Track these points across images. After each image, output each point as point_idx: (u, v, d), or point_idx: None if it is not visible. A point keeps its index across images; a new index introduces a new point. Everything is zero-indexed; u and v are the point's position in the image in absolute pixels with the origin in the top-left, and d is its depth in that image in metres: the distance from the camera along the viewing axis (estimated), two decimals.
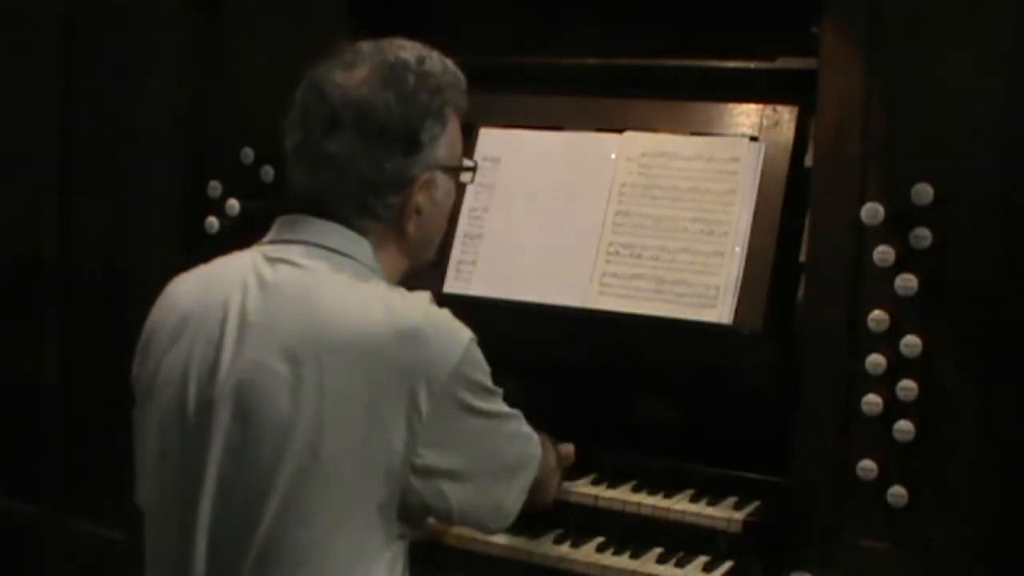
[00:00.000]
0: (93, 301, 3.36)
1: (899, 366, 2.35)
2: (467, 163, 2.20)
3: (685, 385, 2.68)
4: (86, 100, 3.37)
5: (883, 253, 2.35)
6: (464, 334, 1.97)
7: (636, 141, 2.76)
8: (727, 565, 2.46)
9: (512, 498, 2.09)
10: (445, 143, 2.08)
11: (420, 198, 2.06)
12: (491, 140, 2.90)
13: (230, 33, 3.16)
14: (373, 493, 1.90)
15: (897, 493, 2.35)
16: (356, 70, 2.03)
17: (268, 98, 3.07)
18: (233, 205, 3.10)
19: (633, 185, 2.73)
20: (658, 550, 2.50)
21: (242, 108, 3.13)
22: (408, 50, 2.07)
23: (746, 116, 2.69)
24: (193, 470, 1.94)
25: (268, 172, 3.05)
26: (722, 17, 2.77)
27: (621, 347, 2.73)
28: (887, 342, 2.36)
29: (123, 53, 3.27)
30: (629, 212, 2.72)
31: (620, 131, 2.78)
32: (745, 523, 2.46)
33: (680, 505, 2.53)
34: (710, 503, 2.53)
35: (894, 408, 2.35)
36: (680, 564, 2.46)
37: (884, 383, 2.36)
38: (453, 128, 2.11)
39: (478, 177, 2.72)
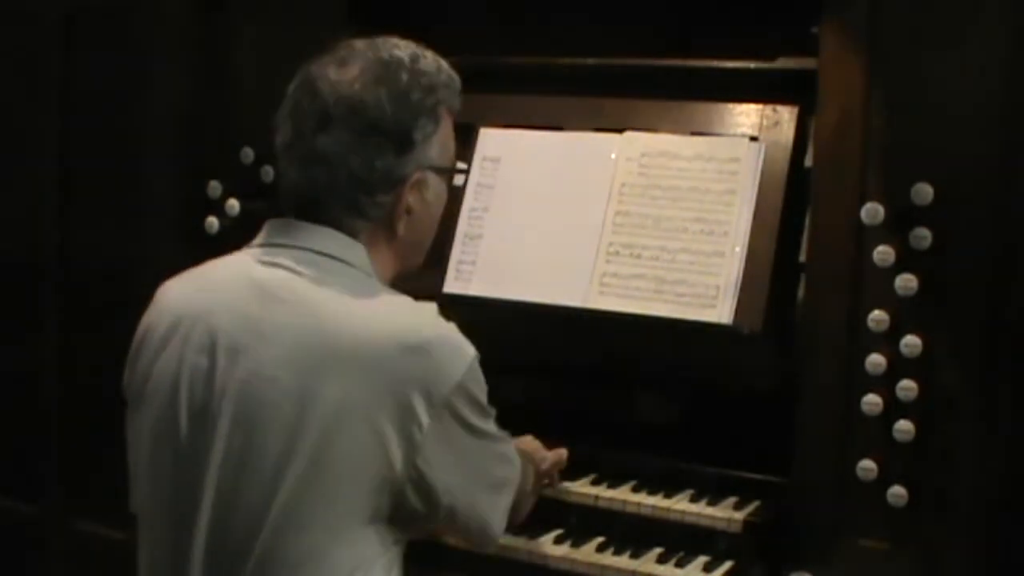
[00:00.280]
0: (93, 301, 3.36)
1: (899, 366, 2.35)
2: (460, 165, 2.19)
3: (685, 385, 2.69)
4: (86, 100, 3.37)
5: (883, 253, 2.35)
6: (469, 351, 1.95)
7: (636, 141, 2.76)
8: (727, 565, 2.46)
9: (497, 519, 2.09)
10: (438, 143, 2.07)
11: (411, 198, 2.04)
12: (491, 140, 2.90)
13: (230, 33, 3.16)
14: (371, 501, 1.89)
15: (897, 493, 2.35)
16: (349, 67, 2.02)
17: (268, 98, 3.06)
18: (233, 205, 3.10)
19: (633, 185, 2.73)
20: (658, 550, 2.50)
21: (242, 108, 3.13)
22: (402, 48, 2.06)
23: (746, 116, 2.69)
24: (190, 478, 1.93)
25: (268, 172, 3.05)
26: (722, 17, 2.77)
27: (621, 347, 2.73)
28: (887, 342, 2.36)
29: (123, 53, 3.27)
30: (629, 212, 2.72)
31: (620, 131, 2.78)
32: (745, 523, 2.46)
33: (680, 505, 2.53)
34: (710, 503, 2.53)
35: (894, 408, 2.35)
36: (680, 564, 2.46)
37: (884, 383, 2.36)
38: (446, 128, 2.10)
39: (478, 177, 2.73)
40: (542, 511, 2.45)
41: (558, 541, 2.53)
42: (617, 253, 2.70)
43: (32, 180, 3.46)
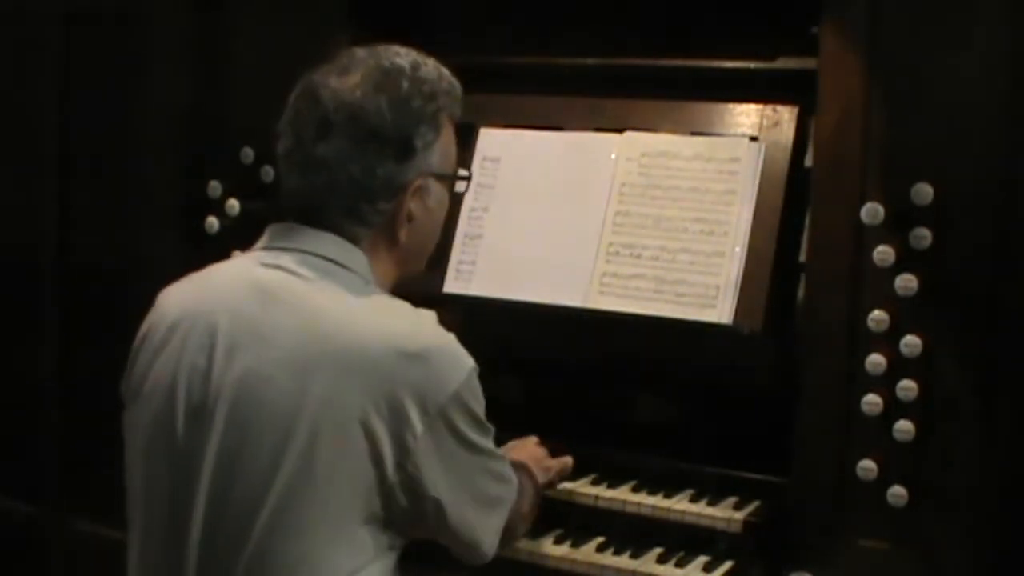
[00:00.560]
0: (93, 301, 3.36)
1: (899, 366, 2.35)
2: (462, 172, 2.19)
3: (685, 385, 2.69)
4: (86, 100, 3.37)
5: (883, 253, 2.35)
6: (468, 362, 1.96)
7: (636, 141, 2.76)
8: (727, 565, 2.46)
9: (488, 539, 2.08)
10: (439, 150, 2.06)
11: (412, 205, 2.05)
12: (491, 140, 2.90)
13: (230, 33, 3.16)
14: (362, 505, 1.90)
15: (897, 493, 2.35)
16: (350, 75, 2.02)
17: (268, 98, 3.05)
18: (233, 205, 3.10)
19: (633, 185, 2.73)
20: (658, 550, 2.50)
21: (242, 108, 3.13)
22: (403, 56, 2.06)
23: (746, 116, 2.69)
24: (185, 476, 1.93)
25: (268, 172, 3.05)
26: (722, 17, 2.77)
27: (621, 347, 2.73)
28: (887, 342, 2.36)
29: (123, 53, 3.27)
30: (629, 212, 2.72)
31: (620, 131, 2.78)
32: (745, 523, 2.46)
33: (680, 505, 2.53)
34: (710, 503, 2.53)
35: (894, 408, 2.35)
36: (680, 564, 2.46)
37: (884, 383, 2.36)
38: (447, 135, 2.09)
39: (478, 177, 2.73)
40: (542, 511, 2.44)
41: (558, 541, 2.53)
42: (617, 253, 2.70)
43: (32, 179, 3.46)
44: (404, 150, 2.01)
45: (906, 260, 2.34)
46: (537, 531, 2.52)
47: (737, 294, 2.57)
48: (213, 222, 3.11)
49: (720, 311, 2.57)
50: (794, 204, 2.58)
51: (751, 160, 2.64)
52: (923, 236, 2.33)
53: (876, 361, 2.36)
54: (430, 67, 2.07)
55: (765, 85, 2.67)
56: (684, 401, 2.71)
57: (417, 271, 2.20)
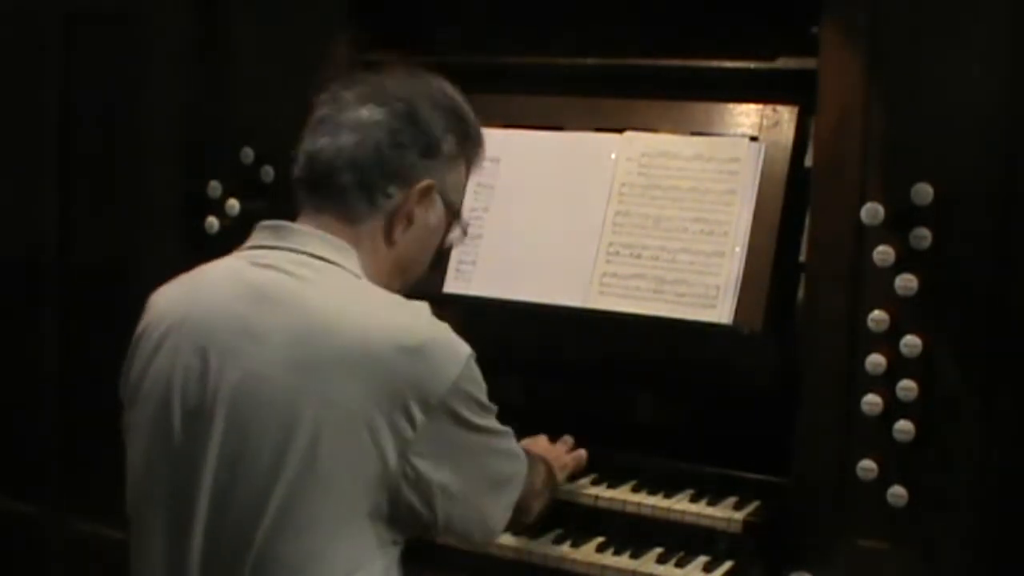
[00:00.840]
0: (93, 301, 3.36)
1: (899, 366, 2.35)
2: (464, 218, 2.23)
3: (685, 385, 2.69)
4: (86, 100, 3.37)
5: (883, 253, 2.35)
6: (464, 349, 1.96)
7: (636, 141, 2.76)
8: (727, 565, 2.46)
9: (498, 514, 2.10)
10: (454, 174, 2.14)
11: (416, 207, 2.08)
12: (491, 140, 2.87)
13: (230, 33, 3.16)
14: (367, 501, 1.90)
15: (897, 493, 2.35)
16: (400, 77, 2.14)
17: (268, 98, 3.09)
18: (233, 205, 3.10)
19: (633, 185, 2.73)
20: (658, 550, 2.50)
21: (242, 108, 3.13)
22: (450, 89, 2.17)
23: (746, 116, 2.69)
24: (186, 479, 1.93)
25: (268, 172, 3.05)
26: (722, 17, 2.77)
27: (621, 347, 2.73)
28: (887, 342, 2.36)
29: (123, 53, 3.27)
30: (629, 212, 2.72)
31: (620, 131, 2.78)
32: (745, 523, 2.46)
33: (680, 505, 2.53)
34: (710, 503, 2.53)
35: (894, 408, 2.35)
36: (680, 564, 2.46)
37: (884, 383, 2.36)
38: (463, 172, 2.17)
39: (478, 177, 2.73)
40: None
41: (558, 541, 2.53)
42: (617, 253, 2.70)
43: (32, 180, 3.46)
44: (430, 147, 2.08)
45: (906, 260, 2.34)
46: (537, 531, 2.52)
47: (737, 294, 2.57)
48: (213, 222, 3.11)
49: (720, 311, 2.57)
50: (794, 204, 2.58)
51: (751, 160, 2.64)
52: (923, 236, 2.33)
53: (876, 361, 2.36)
54: (472, 113, 2.19)
55: (765, 85, 2.67)
56: (684, 401, 2.71)
57: (404, 286, 2.19)
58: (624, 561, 2.47)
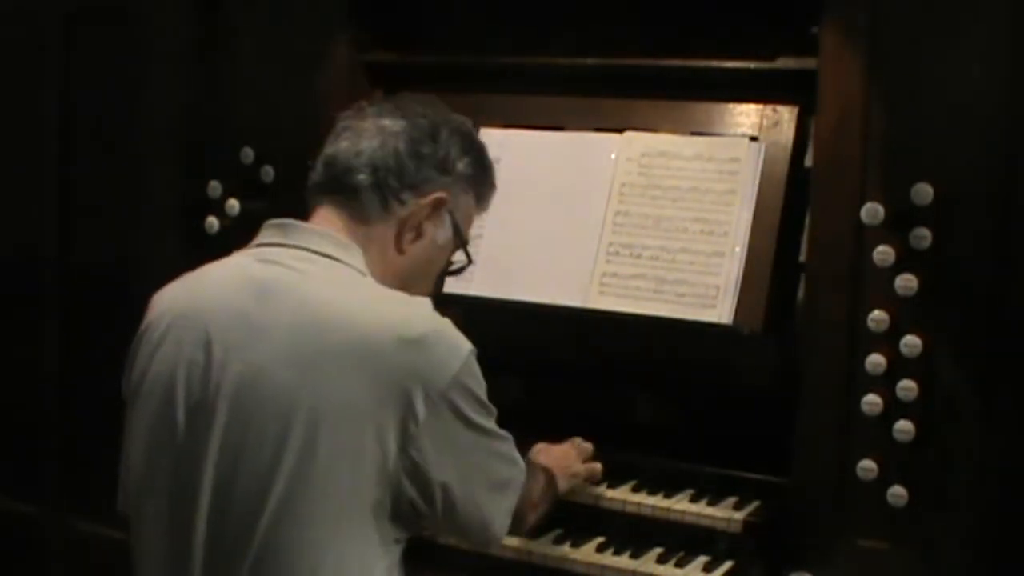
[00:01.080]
0: (93, 301, 3.36)
1: (899, 366, 2.35)
2: (469, 248, 2.25)
3: (685, 385, 2.69)
4: (86, 100, 3.37)
5: (883, 253, 2.35)
6: (465, 345, 1.97)
7: (636, 141, 2.76)
8: (727, 565, 2.46)
9: (499, 518, 2.09)
10: (464, 198, 2.18)
11: (426, 220, 2.11)
12: (491, 140, 2.88)
13: (230, 33, 3.16)
14: (368, 495, 1.90)
15: (897, 493, 2.35)
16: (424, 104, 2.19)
17: (268, 98, 3.09)
18: (233, 205, 3.10)
19: (633, 185, 2.73)
20: (658, 550, 2.50)
21: (242, 108, 3.13)
22: (471, 125, 2.23)
23: (746, 116, 2.69)
24: (188, 472, 1.94)
25: (268, 172, 3.05)
26: (722, 17, 2.77)
27: (621, 347, 2.73)
28: (887, 342, 2.36)
29: (123, 53, 3.27)
30: (629, 212, 2.72)
31: (620, 131, 2.78)
32: (745, 523, 2.46)
33: (680, 505, 2.53)
34: (710, 503, 2.53)
35: (894, 408, 2.35)
36: (680, 564, 2.46)
37: (884, 383, 2.36)
38: (472, 200, 2.21)
39: None
40: None
41: (558, 541, 2.53)
42: (617, 253, 2.70)
43: (32, 180, 3.46)
44: (445, 163, 2.13)
45: (906, 260, 2.34)
46: (537, 531, 2.52)
47: (737, 294, 2.57)
48: (213, 222, 3.11)
49: (720, 311, 2.57)
50: (794, 204, 2.58)
51: (751, 160, 2.64)
52: (923, 236, 2.33)
53: (876, 361, 2.36)
54: (487, 152, 2.24)
55: (765, 85, 2.67)
56: (684, 401, 2.71)
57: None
58: (624, 561, 2.47)
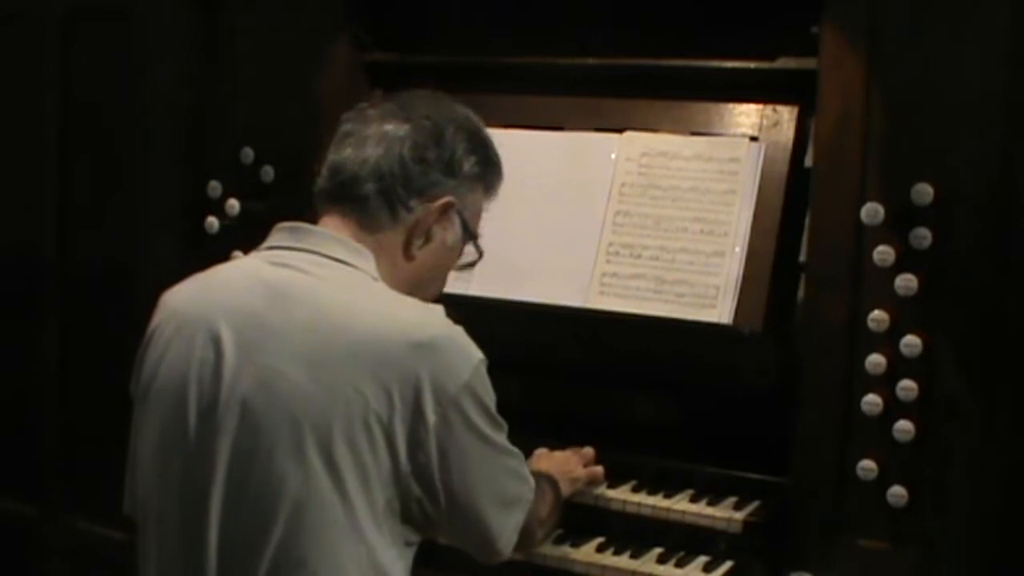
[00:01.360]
0: (93, 301, 3.36)
1: (899, 366, 2.35)
2: (479, 243, 2.23)
3: (685, 385, 2.68)
4: (86, 100, 3.37)
5: (883, 253, 2.35)
6: (476, 353, 1.97)
7: (636, 141, 2.76)
8: (727, 565, 2.46)
9: (506, 535, 2.08)
10: (473, 197, 2.17)
11: (435, 225, 2.10)
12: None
13: (230, 33, 3.16)
14: (380, 496, 1.90)
15: (897, 493, 2.35)
16: (426, 101, 2.17)
17: (268, 98, 3.09)
18: (233, 205, 3.09)
19: (633, 185, 2.73)
20: (658, 550, 2.51)
21: (242, 108, 3.13)
22: (474, 116, 2.21)
23: (746, 116, 2.69)
24: (199, 475, 1.93)
25: (268, 172, 3.05)
26: (722, 17, 2.77)
27: (621, 347, 2.73)
28: (887, 342, 2.36)
29: (123, 53, 3.27)
30: (629, 212, 2.72)
31: (620, 131, 2.78)
32: (745, 523, 2.47)
33: (680, 505, 2.53)
34: (710, 503, 2.53)
35: (894, 408, 2.35)
36: (680, 564, 2.46)
37: (884, 383, 2.36)
38: (481, 195, 2.20)
39: None
40: None
41: (558, 541, 2.53)
42: (617, 253, 2.70)
43: (32, 180, 3.46)
44: (451, 166, 2.11)
45: (906, 260, 2.34)
46: None
47: (737, 294, 2.57)
48: (213, 222, 3.11)
49: (720, 311, 2.57)
50: (794, 204, 2.58)
51: (751, 160, 2.64)
52: (923, 236, 2.33)
53: (876, 361, 2.36)
54: (492, 141, 2.22)
55: (765, 85, 2.67)
56: (684, 401, 2.71)
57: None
58: (624, 561, 2.47)
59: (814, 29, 2.47)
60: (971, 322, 2.31)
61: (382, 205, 2.07)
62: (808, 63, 2.50)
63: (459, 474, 1.95)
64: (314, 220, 2.11)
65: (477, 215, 2.22)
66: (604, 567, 2.46)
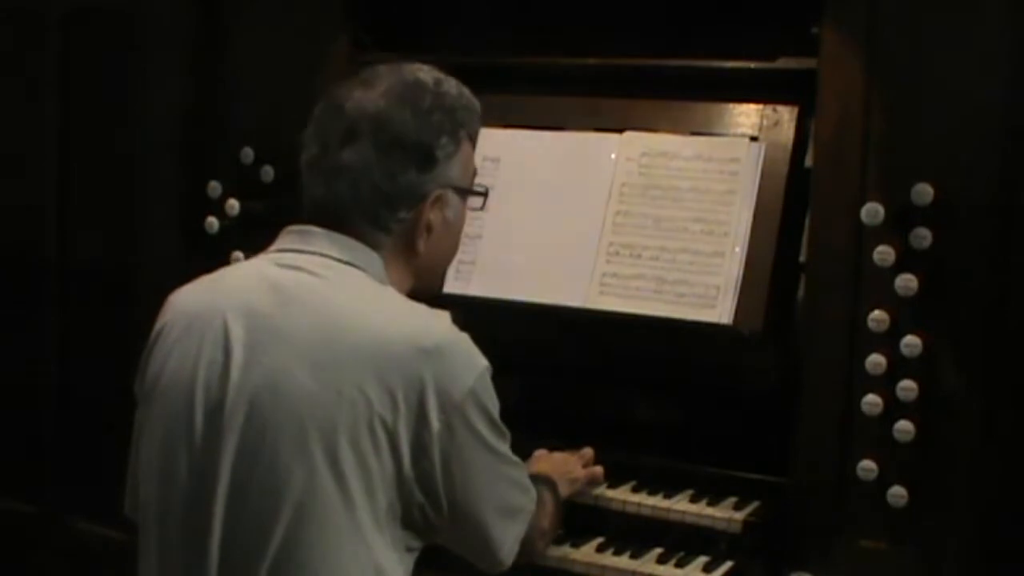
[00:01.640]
0: (93, 301, 3.36)
1: (899, 366, 2.35)
2: (478, 187, 2.20)
3: (685, 385, 2.68)
4: (86, 100, 3.37)
5: (883, 253, 2.35)
6: (481, 361, 1.97)
7: (636, 141, 2.76)
8: (727, 565, 2.46)
9: (507, 545, 2.08)
10: (458, 163, 2.10)
11: (431, 216, 2.08)
12: (491, 140, 2.89)
13: (230, 33, 3.16)
14: (383, 500, 1.90)
15: (897, 493, 2.35)
16: (374, 87, 2.06)
17: (268, 98, 3.09)
18: (233, 205, 3.09)
19: (633, 185, 2.73)
20: (658, 550, 2.50)
21: (242, 108, 3.13)
22: (425, 72, 2.10)
23: (746, 116, 2.69)
24: (204, 475, 1.93)
25: (268, 172, 3.05)
26: (722, 17, 2.77)
27: (621, 347, 2.73)
28: (887, 342, 2.36)
29: (123, 53, 3.27)
30: (629, 212, 2.72)
31: (620, 131, 2.78)
32: (745, 523, 2.46)
33: (680, 505, 2.53)
34: (710, 503, 2.53)
35: (894, 408, 2.35)
36: (680, 564, 2.46)
37: (884, 383, 2.36)
38: (466, 151, 2.13)
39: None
40: None
41: (558, 541, 2.52)
42: (617, 253, 2.70)
43: (32, 180, 3.46)
44: (425, 160, 2.05)
45: (906, 260, 2.34)
46: None
47: (737, 294, 2.57)
48: (213, 222, 3.11)
49: (720, 311, 2.57)
50: (794, 204, 2.58)
51: (751, 160, 2.64)
52: (923, 236, 2.33)
53: (876, 361, 2.36)
54: (451, 84, 2.12)
55: (765, 85, 2.67)
56: (684, 401, 2.71)
57: (433, 284, 2.23)
58: (624, 561, 2.47)
59: (814, 29, 2.47)
60: (971, 322, 2.31)
61: (374, 229, 2.04)
62: (808, 63, 2.50)
63: (461, 481, 1.95)
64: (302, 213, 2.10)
65: (470, 170, 2.17)
66: (604, 567, 2.46)
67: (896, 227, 2.35)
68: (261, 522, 1.89)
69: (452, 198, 2.11)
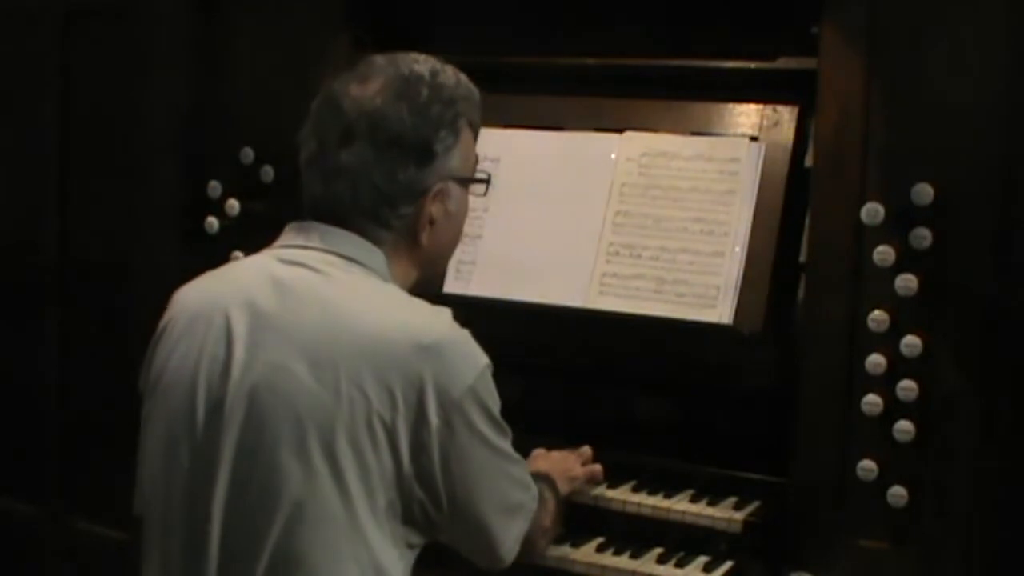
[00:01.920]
0: (93, 301, 3.36)
1: (899, 366, 2.35)
2: (480, 175, 2.20)
3: (685, 385, 2.68)
4: (86, 100, 3.37)
5: (883, 253, 2.35)
6: (482, 358, 1.97)
7: (636, 141, 2.76)
8: (727, 565, 2.46)
9: (508, 543, 2.08)
10: (459, 154, 2.09)
11: (433, 209, 2.07)
12: (491, 140, 2.88)
13: (230, 33, 3.16)
14: (382, 497, 1.90)
15: (897, 493, 2.35)
16: (370, 83, 2.05)
17: (268, 98, 3.09)
18: (233, 205, 3.10)
19: (633, 185, 2.73)
20: (658, 550, 2.50)
21: (242, 108, 3.13)
22: (422, 63, 2.09)
23: (746, 116, 2.69)
24: (204, 470, 1.93)
25: (268, 172, 3.05)
26: (722, 17, 2.77)
27: (621, 347, 2.73)
28: (887, 342, 2.36)
29: (123, 53, 3.27)
30: (629, 212, 2.72)
31: (620, 131, 2.78)
32: (745, 523, 2.46)
33: (680, 505, 2.53)
34: (710, 503, 2.53)
35: (894, 408, 2.35)
36: (680, 564, 2.46)
37: (884, 383, 2.36)
38: (467, 140, 2.12)
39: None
40: None
41: (558, 541, 2.52)
42: (617, 253, 2.70)
43: (32, 180, 3.46)
44: (424, 155, 2.04)
45: (906, 260, 2.34)
46: None
47: (737, 294, 2.57)
48: (213, 222, 3.11)
49: (720, 311, 2.57)
50: (794, 204, 2.58)
51: (751, 160, 2.64)
52: (923, 236, 2.33)
53: (876, 361, 2.36)
54: (449, 73, 2.10)
55: (765, 85, 2.67)
56: (684, 401, 2.71)
57: (437, 274, 2.23)
58: (624, 561, 2.47)
59: (814, 29, 2.47)
60: (971, 322, 2.31)
61: (376, 226, 2.04)
62: (808, 63, 2.50)
63: (461, 478, 1.95)
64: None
65: (471, 156, 2.15)
66: (604, 567, 2.46)
67: (896, 227, 2.35)
68: (260, 520, 1.89)
69: (454, 189, 2.10)
